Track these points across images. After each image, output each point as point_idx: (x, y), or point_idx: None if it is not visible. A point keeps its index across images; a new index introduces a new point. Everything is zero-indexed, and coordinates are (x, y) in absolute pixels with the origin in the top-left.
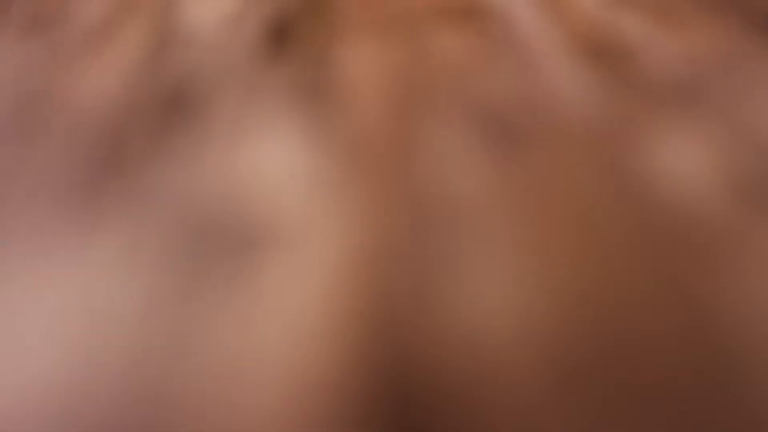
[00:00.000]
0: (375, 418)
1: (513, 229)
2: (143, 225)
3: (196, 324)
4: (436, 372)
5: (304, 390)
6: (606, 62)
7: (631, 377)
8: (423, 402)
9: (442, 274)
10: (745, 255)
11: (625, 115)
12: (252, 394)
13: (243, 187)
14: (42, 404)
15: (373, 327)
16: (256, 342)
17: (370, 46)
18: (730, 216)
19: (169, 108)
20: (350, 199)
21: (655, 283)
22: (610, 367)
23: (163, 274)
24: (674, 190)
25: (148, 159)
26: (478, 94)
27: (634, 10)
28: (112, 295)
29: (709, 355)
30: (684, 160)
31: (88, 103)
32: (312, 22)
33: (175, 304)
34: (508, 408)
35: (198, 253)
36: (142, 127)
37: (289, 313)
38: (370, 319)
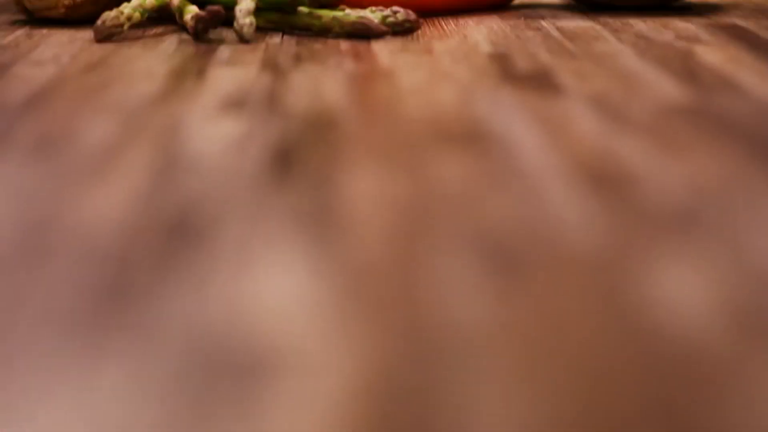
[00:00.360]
0: None
1: (515, 357)
2: (149, 355)
3: None
4: None
5: None
6: (607, 188)
7: None
8: None
9: (443, 405)
10: (745, 384)
11: (626, 241)
12: None
13: (247, 315)
14: None
15: None
16: None
17: (373, 172)
18: (729, 344)
19: (173, 233)
20: (352, 327)
21: (655, 410)
22: None
23: (169, 404)
24: (674, 318)
25: (154, 286)
26: (480, 220)
27: (636, 135)
28: (119, 428)
29: None
30: (684, 288)
31: (93, 228)
32: (315, 147)
33: None
34: None
35: (203, 382)
36: (148, 253)
37: None
38: None
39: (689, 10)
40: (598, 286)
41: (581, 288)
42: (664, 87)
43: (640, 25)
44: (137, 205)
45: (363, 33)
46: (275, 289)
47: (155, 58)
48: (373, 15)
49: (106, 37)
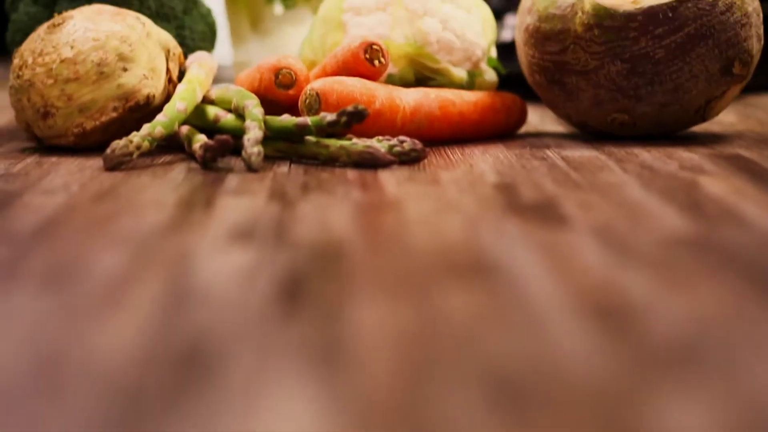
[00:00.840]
0: None
1: None
2: None
3: None
4: None
5: None
6: (611, 321)
7: None
8: None
9: None
10: None
11: (629, 375)
12: None
13: None
14: None
15: None
16: None
17: (380, 304)
18: None
19: (183, 366)
20: None
21: None
22: None
23: None
24: None
25: (164, 420)
26: (486, 353)
27: (640, 267)
28: None
29: None
30: (687, 422)
31: (103, 361)
32: (323, 278)
33: None
34: None
35: None
36: (158, 386)
37: None
38: None
39: (693, 139)
40: (602, 419)
41: (586, 420)
42: (668, 218)
43: (645, 154)
44: (147, 338)
45: (370, 162)
46: (284, 424)
47: (164, 187)
48: (380, 144)
49: (115, 165)
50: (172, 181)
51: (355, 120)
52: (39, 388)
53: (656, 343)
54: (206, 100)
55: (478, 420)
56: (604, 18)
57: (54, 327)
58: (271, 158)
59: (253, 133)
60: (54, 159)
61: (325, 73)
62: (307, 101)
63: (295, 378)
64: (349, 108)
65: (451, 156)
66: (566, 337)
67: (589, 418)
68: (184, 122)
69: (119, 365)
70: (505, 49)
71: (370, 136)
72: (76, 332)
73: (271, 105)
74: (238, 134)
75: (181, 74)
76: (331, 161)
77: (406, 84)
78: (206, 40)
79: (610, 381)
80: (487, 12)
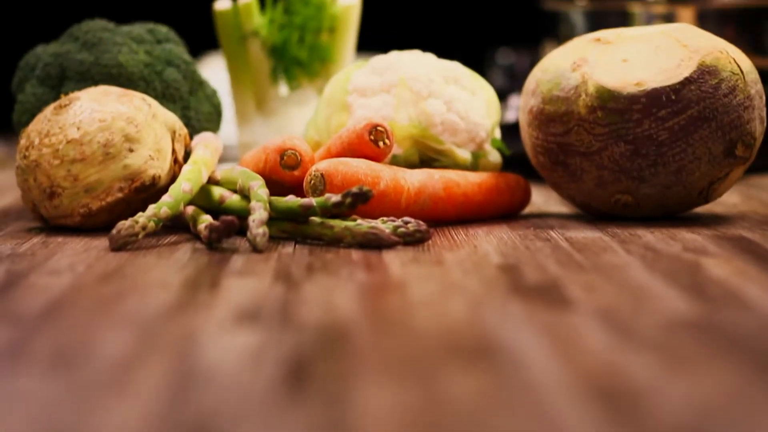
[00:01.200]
0: None
1: None
2: None
3: None
4: None
5: None
6: (615, 403)
7: None
8: None
9: None
10: None
11: None
12: None
13: None
14: None
15: None
16: None
17: (386, 387)
18: None
19: None
20: None
21: None
22: None
23: None
24: None
25: None
26: None
27: (643, 350)
28: None
29: None
30: None
31: None
32: (328, 360)
33: None
34: None
35: None
36: None
37: None
38: None
39: (696, 221)
40: None
41: None
42: (671, 300)
43: (648, 236)
44: (153, 420)
45: (374, 243)
46: None
47: (170, 268)
48: (384, 225)
49: (121, 246)
50: (177, 262)
51: (359, 201)
52: None
53: (660, 427)
54: (211, 181)
55: None
56: (607, 100)
57: (60, 409)
58: (276, 239)
59: (258, 214)
60: (60, 239)
61: (330, 155)
62: (312, 182)
63: None
64: (354, 189)
65: (456, 237)
66: (570, 420)
67: None
68: (190, 203)
69: None
70: (509, 130)
71: (375, 217)
72: (83, 414)
73: (276, 186)
74: (243, 215)
75: (187, 155)
76: (335, 242)
77: (410, 165)
78: (212, 120)
79: None
80: (491, 94)
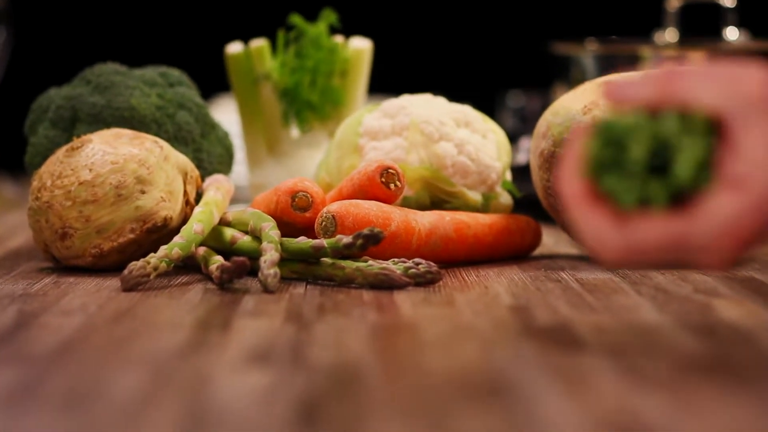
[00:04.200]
0: None
1: None
2: None
3: None
4: None
5: None
6: None
7: None
8: None
9: None
10: None
11: None
12: None
13: None
14: None
15: None
16: None
17: (397, 427)
18: None
19: None
20: None
21: None
22: None
23: None
24: None
25: None
26: None
27: (654, 391)
28: None
29: None
30: None
31: None
32: (339, 401)
33: None
34: None
35: None
36: None
37: None
38: None
39: None
40: None
41: None
42: (682, 342)
43: (659, 277)
44: None
45: (386, 284)
46: None
47: (181, 308)
48: (395, 266)
49: (132, 286)
50: (188, 302)
51: (370, 243)
52: None
53: None
54: (223, 222)
55: None
56: None
57: None
58: (287, 280)
59: (270, 255)
60: (72, 279)
61: (341, 196)
62: (323, 224)
63: None
64: (365, 231)
65: (467, 278)
66: None
67: None
68: (201, 244)
69: None
70: (520, 172)
71: (386, 258)
72: None
73: (287, 227)
74: (254, 256)
75: (199, 197)
76: (347, 283)
77: (421, 207)
78: (223, 162)
79: None
80: (502, 136)
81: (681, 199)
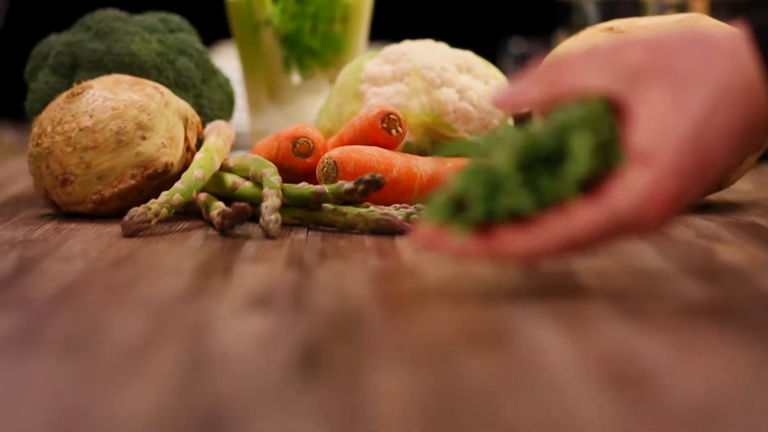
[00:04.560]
0: None
1: None
2: None
3: None
4: None
5: None
6: (629, 388)
7: None
8: None
9: None
10: None
11: None
12: None
13: None
14: None
15: None
16: None
17: (399, 372)
18: None
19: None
20: None
21: None
22: None
23: None
24: None
25: None
26: (504, 421)
27: (657, 335)
28: None
29: None
30: None
31: (123, 427)
32: (341, 346)
33: None
34: None
35: None
36: None
37: None
38: None
39: (709, 208)
40: None
41: None
42: (684, 286)
43: None
44: (166, 404)
45: (387, 230)
46: None
47: (182, 254)
48: (397, 212)
49: (133, 232)
50: (190, 248)
51: (372, 188)
52: None
53: (674, 411)
54: (224, 168)
55: None
56: None
57: (73, 394)
58: (288, 225)
59: (271, 201)
60: (72, 226)
61: (343, 142)
62: (325, 169)
63: None
64: (367, 176)
65: None
66: (584, 403)
67: None
68: (202, 190)
69: (138, 430)
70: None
71: (388, 203)
72: (95, 399)
73: (288, 173)
74: (255, 202)
75: (199, 143)
76: (348, 228)
77: (423, 153)
78: (224, 109)
79: None
80: (503, 82)
81: (598, 183)
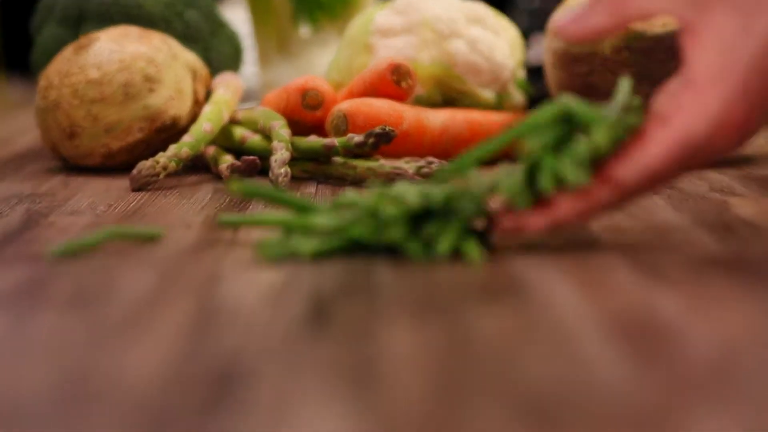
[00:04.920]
0: None
1: None
2: None
3: None
4: None
5: None
6: (641, 340)
7: None
8: None
9: None
10: None
11: (662, 395)
12: None
13: None
14: None
15: None
16: None
17: (410, 325)
18: None
19: (212, 385)
20: None
21: None
22: None
23: None
24: None
25: None
26: (517, 374)
27: (671, 288)
28: None
29: None
30: None
31: (131, 380)
32: (352, 299)
33: None
34: None
35: None
36: (186, 404)
37: None
38: None
39: (723, 161)
40: None
41: None
42: (698, 240)
43: None
44: (175, 358)
45: (395, 182)
46: None
47: (191, 208)
48: (407, 165)
49: (141, 186)
50: (198, 202)
51: (382, 141)
52: (65, 408)
53: (687, 363)
54: (233, 121)
55: None
56: (632, 40)
57: (81, 348)
58: (298, 179)
59: (280, 154)
60: (80, 179)
61: (352, 95)
62: (335, 122)
63: (324, 397)
64: (377, 129)
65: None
66: (597, 357)
67: None
68: (211, 143)
69: (147, 385)
70: (533, 70)
71: (398, 157)
72: (104, 353)
73: (297, 126)
74: (264, 155)
75: (208, 95)
76: (358, 182)
77: (433, 105)
78: (233, 61)
79: (642, 402)
80: (514, 34)
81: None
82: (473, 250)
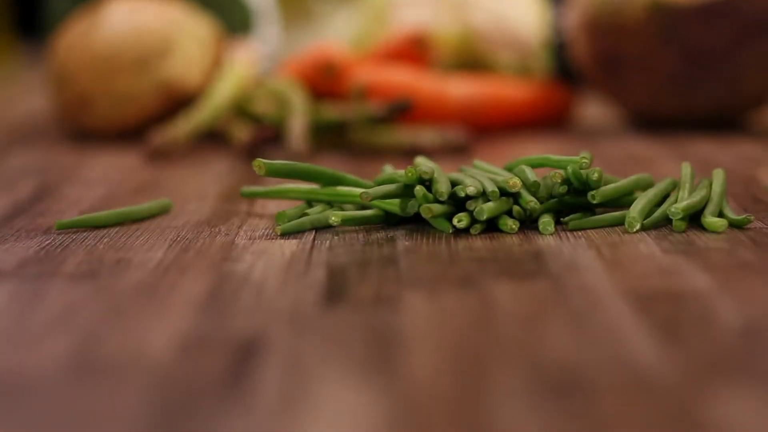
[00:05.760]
0: None
1: None
2: None
3: None
4: None
5: None
6: (669, 313)
7: None
8: None
9: None
10: None
11: (687, 369)
12: None
13: None
14: None
15: None
16: None
17: (430, 296)
18: None
19: (228, 355)
20: None
21: None
22: None
23: None
24: None
25: (210, 410)
26: (539, 343)
27: (696, 257)
28: None
29: None
30: (748, 415)
31: (146, 350)
32: (371, 267)
33: None
34: None
35: None
36: (202, 377)
37: None
38: None
39: (751, 130)
40: (661, 408)
41: (645, 410)
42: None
43: (702, 146)
44: (191, 328)
45: (417, 152)
46: (331, 413)
47: (206, 178)
48: (426, 134)
49: (156, 156)
50: (214, 172)
51: (401, 111)
52: (79, 379)
53: (713, 331)
54: (249, 90)
55: (530, 409)
56: (661, 9)
57: (95, 317)
58: (316, 149)
59: (299, 123)
60: (92, 149)
61: (372, 64)
62: (354, 92)
63: (343, 368)
64: (396, 100)
65: (500, 146)
66: (624, 330)
67: (647, 408)
68: (227, 112)
69: (163, 356)
70: (558, 38)
71: (418, 126)
72: (119, 325)
73: (315, 94)
74: (282, 124)
75: (223, 63)
76: (377, 151)
77: (454, 73)
78: (248, 29)
79: (668, 375)
80: (540, 2)
81: None
82: (509, 221)
